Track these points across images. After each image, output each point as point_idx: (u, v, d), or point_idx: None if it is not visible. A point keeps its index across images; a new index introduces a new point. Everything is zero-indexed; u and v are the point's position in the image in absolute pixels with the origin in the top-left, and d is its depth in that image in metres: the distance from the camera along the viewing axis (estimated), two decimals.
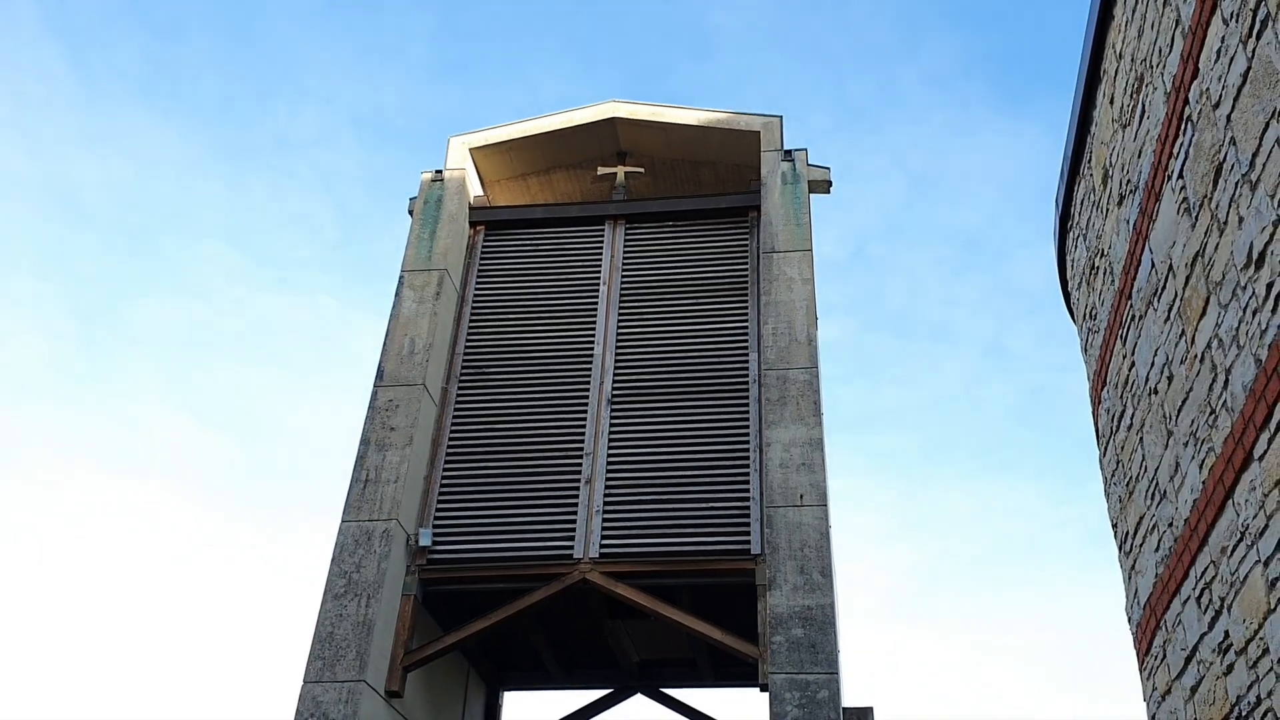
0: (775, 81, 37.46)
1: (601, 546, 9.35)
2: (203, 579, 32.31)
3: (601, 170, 12.32)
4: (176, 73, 34.91)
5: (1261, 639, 4.95)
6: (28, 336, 33.27)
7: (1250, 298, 4.86)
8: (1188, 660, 6.06)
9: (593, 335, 10.68)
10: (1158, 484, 6.47)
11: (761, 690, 8.46)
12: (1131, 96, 6.54)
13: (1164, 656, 6.55)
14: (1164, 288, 6.11)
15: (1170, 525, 6.25)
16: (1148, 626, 6.84)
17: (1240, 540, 5.12)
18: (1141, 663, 7.18)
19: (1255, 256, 4.78)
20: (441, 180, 11.73)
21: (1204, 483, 5.57)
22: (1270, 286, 4.64)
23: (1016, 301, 37.67)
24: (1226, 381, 5.20)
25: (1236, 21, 4.86)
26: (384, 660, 8.90)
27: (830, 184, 11.39)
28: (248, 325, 36.23)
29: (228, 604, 32.30)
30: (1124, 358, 7.09)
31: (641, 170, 12.40)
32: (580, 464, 9.83)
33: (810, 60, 37.78)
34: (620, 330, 10.70)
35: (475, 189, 12.15)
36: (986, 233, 38.31)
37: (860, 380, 35.75)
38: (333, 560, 9.15)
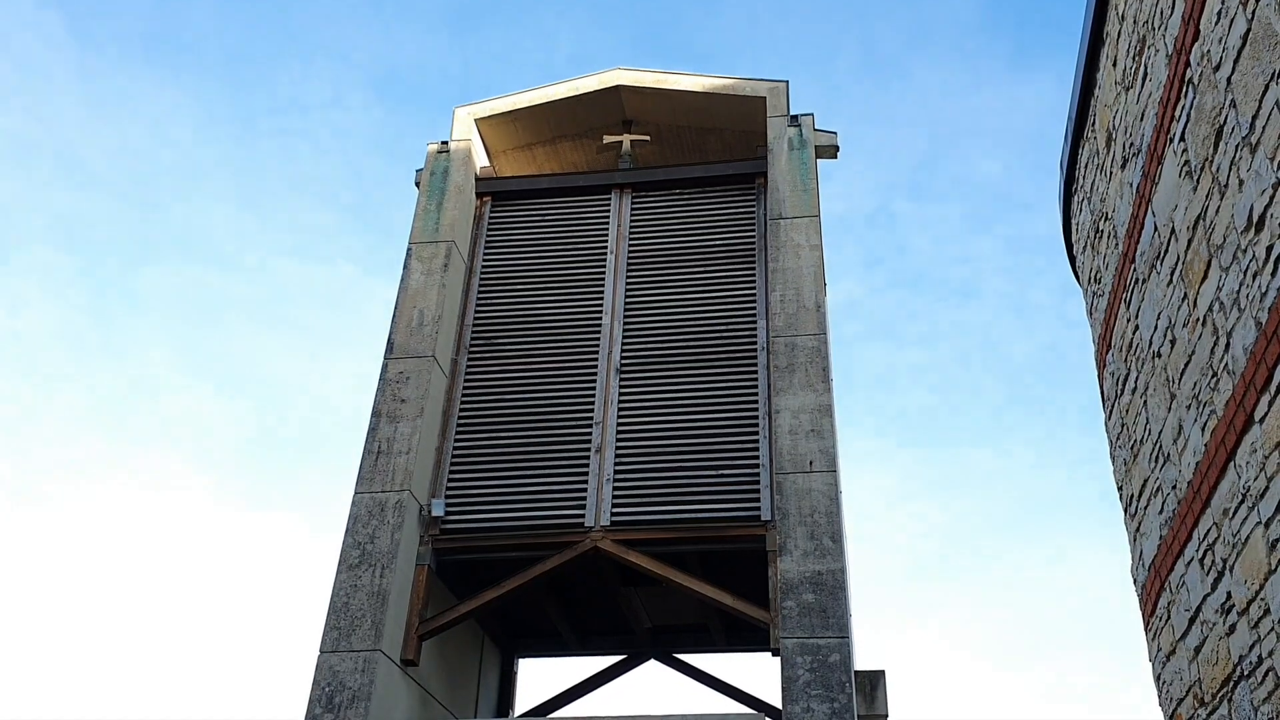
0: (795, 32, 37.07)
1: (612, 514, 9.43)
2: (219, 549, 32.62)
3: (607, 139, 12.30)
4: (181, 35, 34.76)
5: (1263, 599, 4.99)
6: (39, 306, 33.43)
7: (1251, 261, 4.87)
8: (1191, 621, 6.11)
9: (600, 304, 10.71)
10: (1161, 447, 6.49)
11: (773, 655, 8.54)
12: (1134, 59, 6.51)
13: (1168, 617, 6.61)
14: (1166, 251, 6.11)
15: (1174, 488, 6.28)
16: (1152, 588, 6.89)
17: (1242, 502, 5.16)
18: (1147, 624, 7.23)
19: (1255, 220, 4.78)
20: (448, 152, 11.74)
21: (1206, 445, 5.60)
22: (1270, 249, 4.65)
23: (1039, 255, 37.44)
24: (1228, 344, 5.22)
25: None
26: (399, 630, 9.02)
27: (837, 149, 11.35)
28: (264, 292, 36.29)
29: (244, 575, 32.63)
30: (1128, 321, 7.09)
31: (647, 138, 12.38)
32: (590, 433, 9.89)
33: (833, 8, 37.35)
34: (628, 299, 10.73)
35: (481, 160, 12.15)
36: (1010, 185, 38.02)
37: (882, 339, 35.66)
38: (346, 531, 9.26)
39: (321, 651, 8.64)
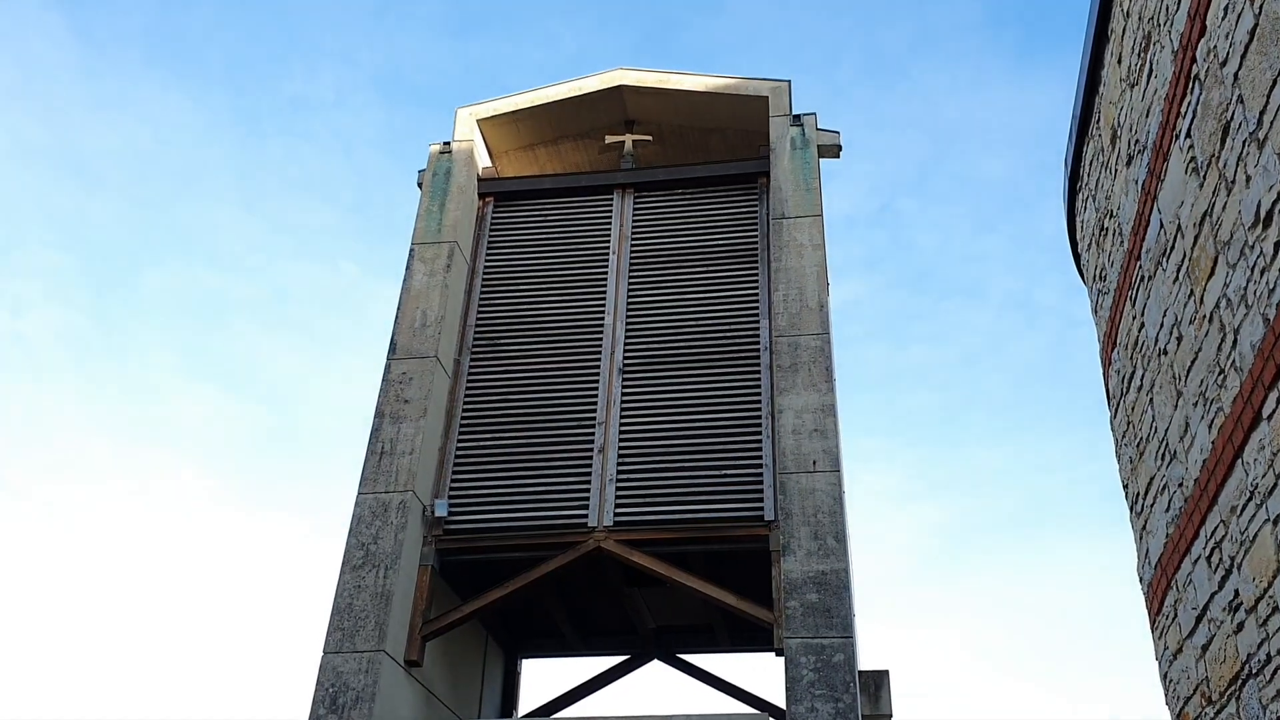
0: (799, 32, 37.00)
1: (616, 515, 9.41)
2: (222, 550, 32.60)
3: (609, 139, 12.28)
4: (184, 35, 34.71)
5: (1271, 597, 4.97)
6: (41, 307, 33.41)
7: (1258, 257, 4.85)
8: (1199, 619, 6.09)
9: (603, 304, 10.69)
10: (1168, 444, 6.47)
11: (777, 655, 8.52)
12: (1139, 56, 6.50)
13: (1175, 616, 6.59)
14: (1172, 248, 6.09)
15: (1180, 485, 6.26)
16: (1159, 586, 6.87)
17: (1250, 499, 5.14)
18: (1153, 622, 7.21)
19: (1263, 215, 4.76)
20: (450, 152, 11.72)
21: (1213, 442, 5.58)
22: (1278, 245, 4.63)
23: (1044, 254, 37.40)
24: (1235, 341, 5.20)
25: None
26: (403, 630, 9.00)
27: (840, 148, 11.33)
28: (268, 293, 36.25)
29: (248, 576, 32.60)
30: (1134, 319, 7.07)
31: (650, 138, 12.36)
32: (593, 433, 9.87)
33: (836, 8, 37.27)
34: (630, 299, 10.71)
35: (484, 160, 12.14)
36: (1015, 184, 37.94)
37: (886, 338, 35.62)
38: (350, 532, 9.24)
39: (325, 652, 8.63)
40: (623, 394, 10.08)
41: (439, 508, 9.61)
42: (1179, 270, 6.00)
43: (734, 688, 11.35)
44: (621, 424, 9.89)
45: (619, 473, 9.61)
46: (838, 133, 11.35)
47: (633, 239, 11.14)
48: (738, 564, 10.13)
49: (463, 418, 10.28)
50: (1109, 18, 7.22)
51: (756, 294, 10.52)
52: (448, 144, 11.80)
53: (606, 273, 10.91)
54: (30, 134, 32.17)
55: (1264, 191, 4.72)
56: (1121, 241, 7.26)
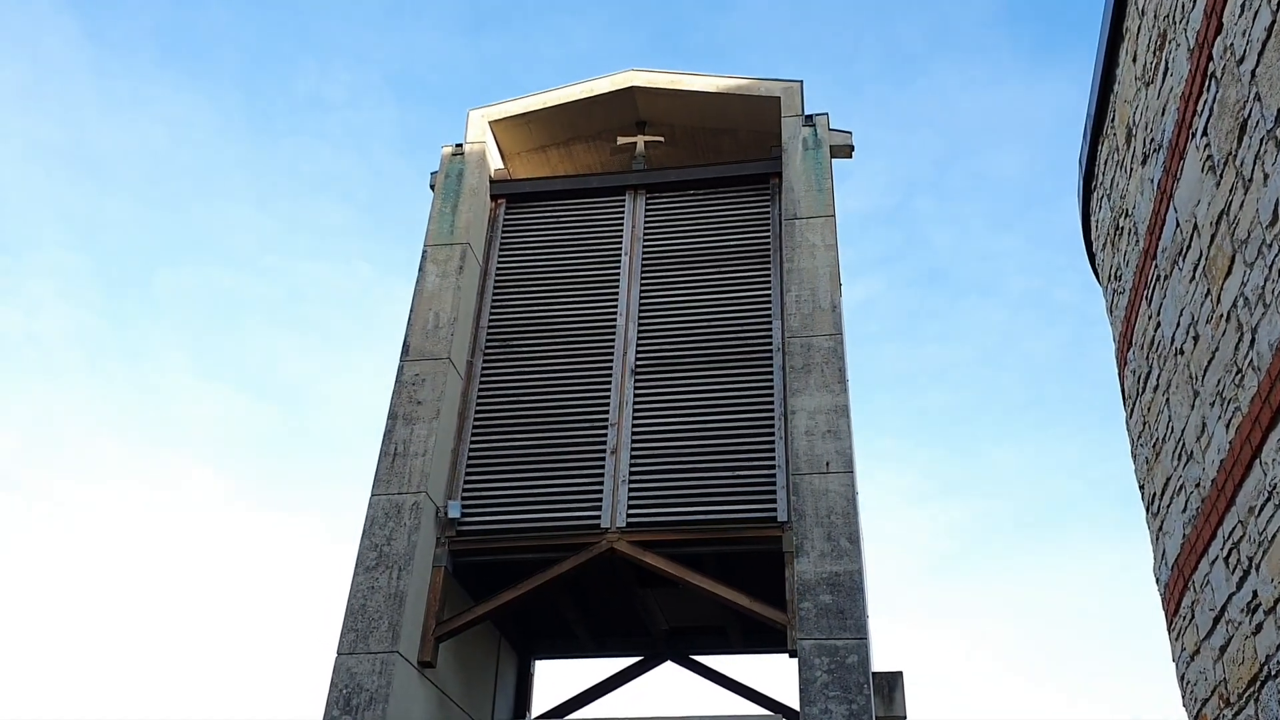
0: (814, 30, 36.91)
1: (628, 516, 9.40)
2: (236, 551, 32.68)
3: (621, 140, 12.28)
4: (198, 36, 34.80)
5: None
6: (55, 307, 33.53)
7: (1276, 255, 4.82)
8: (1216, 620, 6.05)
9: (615, 306, 10.69)
10: (1184, 445, 6.44)
11: (791, 656, 8.50)
12: (1154, 54, 6.46)
13: (1192, 617, 6.55)
14: (1189, 247, 6.06)
15: (1197, 486, 6.23)
16: (1176, 587, 6.82)
17: (1268, 500, 5.10)
18: (1170, 624, 7.17)
19: None
20: (462, 154, 11.73)
21: (1231, 442, 5.54)
22: None
23: (1061, 252, 37.25)
24: (1253, 340, 5.16)
25: None
26: (416, 631, 9.01)
27: (852, 148, 11.32)
28: (282, 292, 36.31)
29: (262, 576, 32.68)
30: (1149, 318, 7.04)
31: (661, 139, 12.35)
32: (605, 434, 9.87)
33: (851, 6, 37.18)
34: (643, 300, 10.70)
35: (495, 162, 12.14)
36: (1031, 182, 37.78)
37: (901, 337, 35.51)
38: (363, 533, 9.25)
39: (339, 653, 8.64)
40: (635, 395, 10.07)
41: (452, 509, 9.61)
42: (1195, 269, 5.97)
43: (747, 689, 11.33)
44: (634, 425, 9.88)
45: (631, 474, 9.60)
46: (850, 133, 11.33)
47: (645, 240, 11.14)
48: (751, 565, 10.11)
49: (475, 419, 10.28)
50: (1124, 15, 7.18)
51: (769, 295, 10.51)
52: (460, 145, 11.82)
53: (618, 274, 10.91)
54: (44, 134, 32.33)
55: None
56: (1137, 241, 7.22)
